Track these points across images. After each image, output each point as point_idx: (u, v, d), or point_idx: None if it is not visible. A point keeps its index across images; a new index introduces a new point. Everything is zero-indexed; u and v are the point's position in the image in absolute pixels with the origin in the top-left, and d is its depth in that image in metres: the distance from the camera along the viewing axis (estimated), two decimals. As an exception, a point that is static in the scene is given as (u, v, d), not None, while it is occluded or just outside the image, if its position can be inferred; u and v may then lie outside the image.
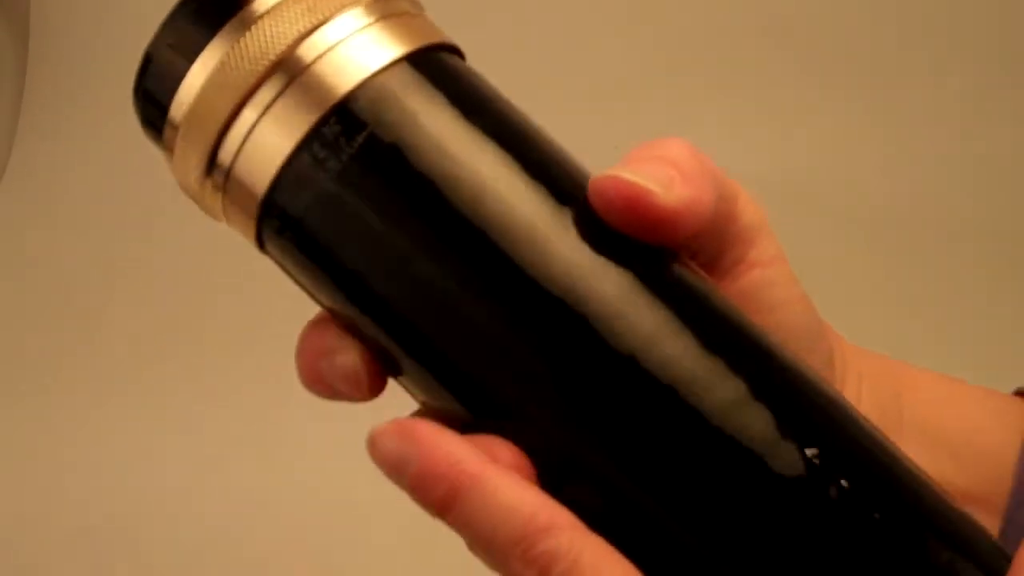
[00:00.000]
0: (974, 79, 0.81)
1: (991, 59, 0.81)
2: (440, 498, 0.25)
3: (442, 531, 0.25)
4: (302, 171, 0.25)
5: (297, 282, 0.28)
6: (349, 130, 0.25)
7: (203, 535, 0.64)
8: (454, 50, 0.27)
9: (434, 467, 0.25)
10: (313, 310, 0.28)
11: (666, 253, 0.27)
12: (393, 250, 0.25)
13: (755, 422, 0.24)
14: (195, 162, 0.26)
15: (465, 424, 0.26)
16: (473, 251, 0.25)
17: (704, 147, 0.27)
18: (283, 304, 0.65)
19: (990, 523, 0.31)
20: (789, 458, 0.24)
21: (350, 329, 0.27)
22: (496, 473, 0.24)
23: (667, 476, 0.24)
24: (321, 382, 0.28)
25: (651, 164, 0.26)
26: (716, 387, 0.25)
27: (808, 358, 0.28)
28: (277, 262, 0.27)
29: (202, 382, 0.67)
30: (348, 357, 0.27)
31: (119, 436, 0.65)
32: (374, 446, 0.25)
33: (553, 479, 0.25)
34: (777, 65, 0.81)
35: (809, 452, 0.24)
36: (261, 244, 0.27)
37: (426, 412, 0.27)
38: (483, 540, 0.25)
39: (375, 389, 0.27)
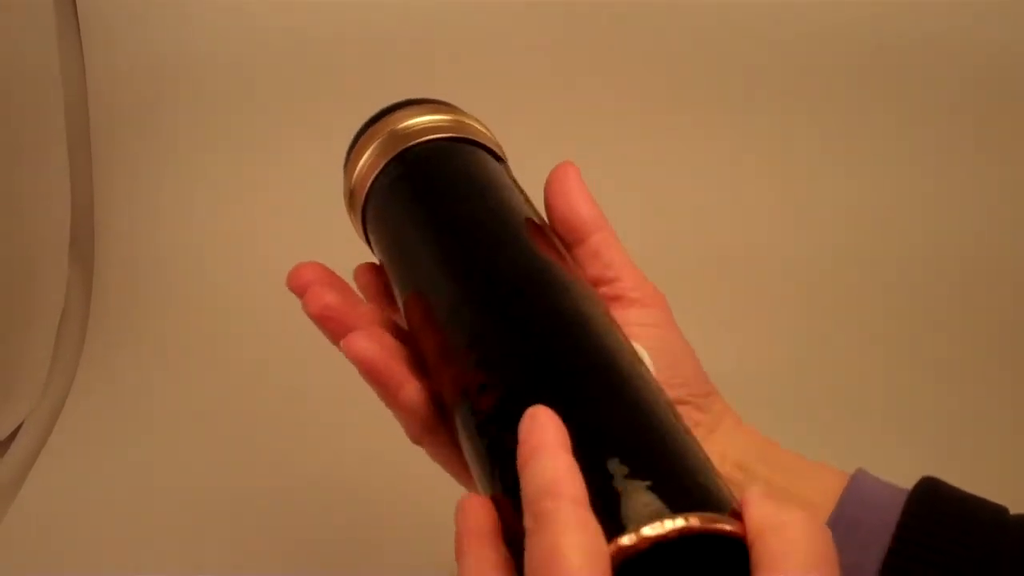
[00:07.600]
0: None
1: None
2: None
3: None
4: (380, 181, 0.46)
5: (379, 245, 0.47)
6: (400, 165, 0.46)
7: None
8: (484, 147, 0.47)
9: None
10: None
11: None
12: (404, 221, 0.45)
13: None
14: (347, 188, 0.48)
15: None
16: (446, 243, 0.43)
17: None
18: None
19: None
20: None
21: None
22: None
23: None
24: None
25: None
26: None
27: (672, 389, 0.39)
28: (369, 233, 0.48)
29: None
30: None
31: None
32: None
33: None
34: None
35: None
36: (364, 222, 0.47)
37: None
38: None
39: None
